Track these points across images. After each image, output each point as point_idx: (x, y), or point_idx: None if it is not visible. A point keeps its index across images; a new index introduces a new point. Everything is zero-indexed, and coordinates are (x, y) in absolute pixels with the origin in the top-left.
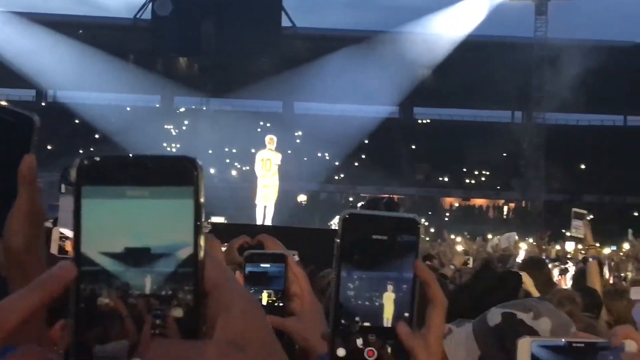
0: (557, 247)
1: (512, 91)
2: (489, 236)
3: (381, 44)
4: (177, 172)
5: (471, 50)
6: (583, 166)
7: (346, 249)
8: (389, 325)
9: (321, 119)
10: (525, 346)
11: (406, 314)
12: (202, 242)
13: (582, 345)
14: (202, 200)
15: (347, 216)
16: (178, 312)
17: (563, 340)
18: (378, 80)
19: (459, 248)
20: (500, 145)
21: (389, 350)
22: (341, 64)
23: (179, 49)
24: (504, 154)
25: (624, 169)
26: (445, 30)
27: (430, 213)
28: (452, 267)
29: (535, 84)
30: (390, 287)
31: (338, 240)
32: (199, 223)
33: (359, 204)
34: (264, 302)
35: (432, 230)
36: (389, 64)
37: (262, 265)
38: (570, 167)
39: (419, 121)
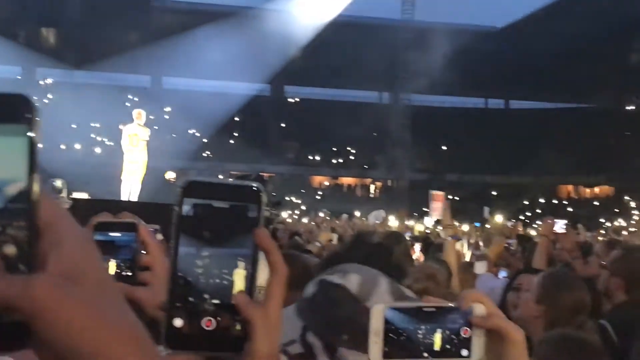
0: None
1: (379, 72)
2: (357, 213)
3: (252, 20)
4: (10, 110)
5: (341, 30)
6: (445, 147)
7: (186, 218)
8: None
9: (191, 95)
10: (378, 311)
11: (247, 285)
12: (36, 180)
13: (433, 309)
14: (36, 138)
15: (186, 183)
16: (9, 249)
17: (414, 305)
18: (249, 57)
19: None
20: (368, 125)
21: (231, 322)
22: (211, 39)
23: (41, 19)
24: (372, 134)
25: (483, 149)
26: (315, 10)
27: (303, 191)
28: (317, 244)
29: (401, 65)
30: (236, 261)
31: (177, 209)
32: (33, 161)
33: None
34: (111, 272)
35: (303, 208)
36: (260, 41)
37: (111, 234)
38: (434, 148)
39: (289, 99)
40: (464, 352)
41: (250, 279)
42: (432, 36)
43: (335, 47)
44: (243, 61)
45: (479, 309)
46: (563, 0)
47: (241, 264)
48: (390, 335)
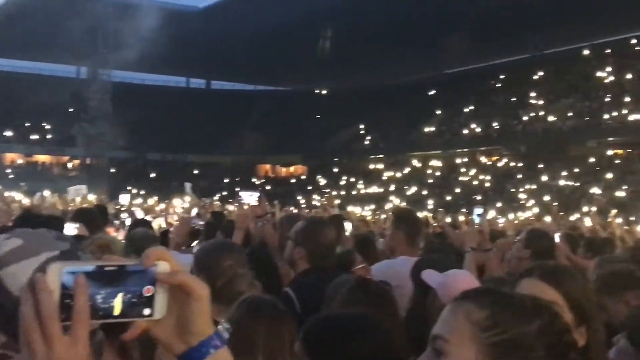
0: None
1: (78, 45)
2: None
3: None
4: None
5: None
6: (146, 125)
7: None
8: None
9: None
10: (54, 272)
11: None
12: None
13: (115, 268)
14: None
15: None
16: None
17: (94, 264)
18: None
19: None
20: (65, 100)
21: None
22: None
23: None
24: (70, 110)
25: (185, 129)
26: None
27: None
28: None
29: (101, 40)
30: None
31: None
32: None
33: None
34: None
35: None
36: None
37: None
38: (135, 125)
39: None
40: (146, 311)
41: None
42: (134, 12)
43: (31, 17)
44: None
45: (163, 266)
46: None
47: None
48: (67, 295)
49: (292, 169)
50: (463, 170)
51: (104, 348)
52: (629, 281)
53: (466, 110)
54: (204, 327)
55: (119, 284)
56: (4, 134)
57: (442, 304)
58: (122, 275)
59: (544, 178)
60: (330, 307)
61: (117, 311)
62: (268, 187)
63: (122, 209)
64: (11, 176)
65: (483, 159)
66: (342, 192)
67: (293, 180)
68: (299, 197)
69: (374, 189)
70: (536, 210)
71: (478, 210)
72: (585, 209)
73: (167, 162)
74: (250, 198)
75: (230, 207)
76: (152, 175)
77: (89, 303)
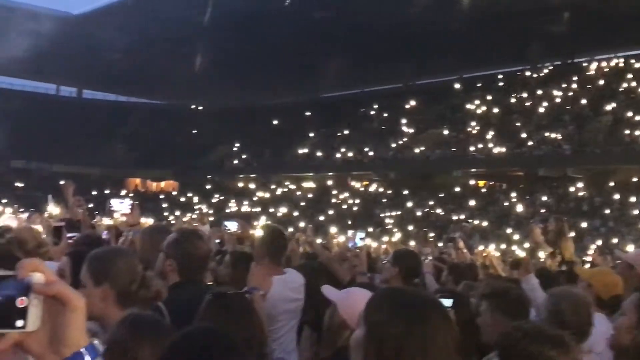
0: None
1: None
2: None
3: None
4: None
5: None
6: (12, 131)
7: None
8: None
9: None
10: None
11: None
12: None
13: None
14: None
15: None
16: None
17: None
18: None
19: None
20: None
21: None
22: None
23: None
24: None
25: (53, 137)
26: None
27: None
28: None
29: None
30: None
31: None
32: None
33: None
34: None
35: None
36: None
37: None
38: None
39: None
40: (19, 323)
41: None
42: (6, 14)
43: None
44: None
45: (38, 277)
46: None
47: None
48: None
49: (162, 184)
50: (334, 192)
51: None
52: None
53: (339, 134)
54: (78, 338)
55: None
56: None
57: (341, 319)
58: None
59: (410, 204)
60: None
61: None
62: (136, 202)
63: None
64: None
65: (354, 183)
66: (212, 210)
67: (162, 196)
68: (166, 213)
69: (245, 208)
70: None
71: (360, 234)
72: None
73: (32, 171)
74: (120, 206)
75: (104, 220)
76: (16, 184)
77: None
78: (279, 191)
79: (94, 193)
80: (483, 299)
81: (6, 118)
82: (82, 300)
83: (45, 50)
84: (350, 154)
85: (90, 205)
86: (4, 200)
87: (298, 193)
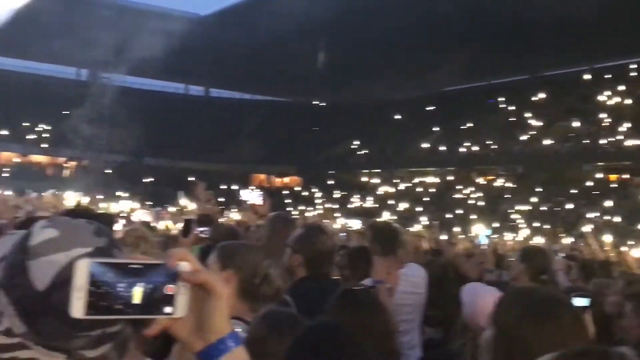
0: None
1: (79, 48)
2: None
3: None
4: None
5: (42, 1)
6: (144, 130)
7: None
8: None
9: None
10: (82, 267)
11: None
12: None
13: (140, 266)
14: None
15: None
16: None
17: (121, 261)
18: None
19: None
20: (64, 102)
21: None
22: None
23: None
24: (67, 112)
25: (182, 135)
26: None
27: None
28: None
29: (103, 44)
30: None
31: None
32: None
33: None
34: None
35: None
36: None
37: None
38: (133, 130)
39: None
40: (168, 309)
41: None
42: (134, 17)
43: (34, 18)
44: None
45: (185, 266)
46: None
47: None
48: (94, 291)
49: (286, 179)
50: (458, 187)
51: (131, 343)
52: None
53: (463, 128)
54: (222, 325)
55: (143, 279)
56: (0, 132)
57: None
58: (148, 272)
59: (536, 199)
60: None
61: (140, 303)
62: (266, 194)
63: (122, 214)
64: (5, 175)
65: (478, 178)
66: (336, 206)
67: (286, 192)
68: (290, 208)
69: (368, 204)
70: (527, 231)
71: (486, 231)
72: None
73: (162, 168)
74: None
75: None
76: (147, 180)
77: (110, 291)
78: (401, 186)
79: (223, 187)
80: (627, 299)
81: (139, 117)
82: (226, 289)
83: (175, 51)
84: (474, 148)
85: (220, 199)
86: (136, 196)
87: (420, 188)
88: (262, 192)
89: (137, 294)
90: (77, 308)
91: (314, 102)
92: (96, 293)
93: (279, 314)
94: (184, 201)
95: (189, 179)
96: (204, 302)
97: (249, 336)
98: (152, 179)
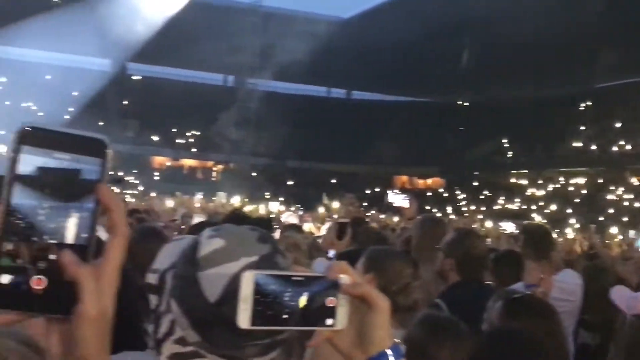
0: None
1: (225, 55)
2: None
3: None
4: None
5: (189, 11)
6: (287, 133)
7: (23, 166)
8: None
9: (28, 66)
10: (248, 278)
11: (84, 241)
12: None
13: (302, 278)
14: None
15: (27, 129)
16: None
17: (284, 273)
18: (92, 31)
19: (169, 205)
20: (212, 107)
21: (61, 282)
22: (55, 10)
23: None
24: (215, 116)
25: (324, 138)
26: None
27: (136, 172)
28: (161, 223)
29: (247, 50)
30: (72, 212)
31: (13, 154)
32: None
33: None
34: None
35: (140, 188)
36: (104, 16)
37: None
38: (276, 133)
39: (132, 77)
40: (329, 321)
41: (89, 234)
42: (278, 22)
43: (183, 27)
44: (86, 35)
45: (345, 280)
46: None
47: (78, 218)
48: (261, 301)
49: (429, 181)
50: (610, 188)
51: (293, 349)
52: None
53: (617, 126)
54: (383, 338)
55: (305, 291)
56: (152, 138)
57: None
58: (309, 284)
59: None
60: (487, 320)
61: (303, 315)
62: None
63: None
64: (156, 178)
65: (632, 179)
66: (482, 207)
67: (429, 193)
68: (435, 210)
69: (515, 205)
70: None
71: None
72: None
73: (305, 170)
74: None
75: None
76: (290, 182)
77: (276, 302)
78: (549, 187)
79: (367, 192)
80: None
81: (283, 120)
82: (386, 301)
83: (317, 54)
84: (628, 147)
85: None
86: (281, 199)
87: (570, 189)
88: (408, 195)
89: (301, 305)
90: (244, 319)
91: (457, 102)
92: (262, 304)
93: (440, 319)
94: (327, 202)
95: (331, 181)
96: (365, 315)
97: (406, 340)
98: (295, 181)
